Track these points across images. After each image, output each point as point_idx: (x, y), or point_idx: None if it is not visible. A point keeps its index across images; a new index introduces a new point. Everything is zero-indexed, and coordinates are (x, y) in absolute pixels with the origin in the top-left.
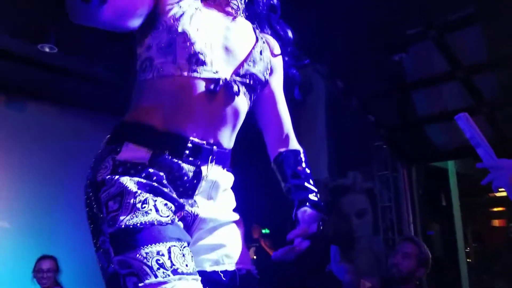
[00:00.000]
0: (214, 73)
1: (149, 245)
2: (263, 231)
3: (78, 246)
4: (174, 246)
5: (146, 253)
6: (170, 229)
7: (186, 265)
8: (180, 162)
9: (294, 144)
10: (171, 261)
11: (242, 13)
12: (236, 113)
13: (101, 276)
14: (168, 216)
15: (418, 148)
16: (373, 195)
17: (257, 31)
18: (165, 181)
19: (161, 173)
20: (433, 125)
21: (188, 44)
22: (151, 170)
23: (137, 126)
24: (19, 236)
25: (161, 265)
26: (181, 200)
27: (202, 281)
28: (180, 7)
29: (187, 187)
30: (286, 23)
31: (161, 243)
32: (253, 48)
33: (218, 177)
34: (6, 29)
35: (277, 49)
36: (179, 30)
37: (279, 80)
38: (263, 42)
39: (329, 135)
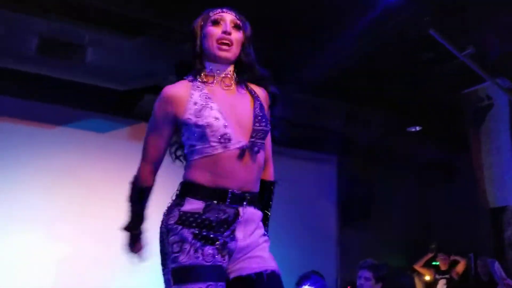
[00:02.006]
0: (238, 142)
1: (196, 282)
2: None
3: None
4: (211, 284)
5: (192, 287)
6: (211, 271)
7: None
8: (224, 207)
9: (271, 174)
10: None
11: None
12: (260, 164)
13: None
14: (211, 261)
15: None
16: None
17: (249, 87)
18: (214, 223)
19: (212, 218)
20: None
21: (215, 132)
22: (204, 216)
23: (193, 186)
24: None
25: None
26: (225, 236)
27: (246, 282)
28: (195, 103)
29: (229, 224)
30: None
31: (202, 282)
32: (254, 109)
33: (250, 215)
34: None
35: (264, 96)
36: (204, 123)
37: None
38: (257, 97)
39: None
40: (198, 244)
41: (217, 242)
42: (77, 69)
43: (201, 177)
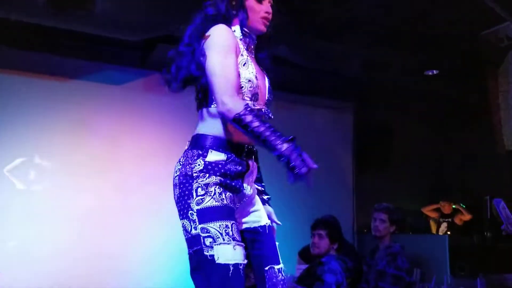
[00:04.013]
0: (260, 105)
1: (221, 220)
2: (454, 206)
3: None
4: (234, 223)
5: (220, 225)
6: (233, 212)
7: (239, 236)
8: (240, 160)
9: None
10: (232, 232)
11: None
12: None
13: (183, 234)
14: (232, 204)
15: None
16: None
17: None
18: (233, 174)
19: (232, 168)
20: None
21: (252, 88)
22: (227, 166)
23: (217, 139)
24: None
25: (227, 233)
26: (238, 185)
27: (254, 233)
28: (242, 55)
29: (241, 174)
30: None
31: (228, 220)
32: (267, 80)
33: (254, 167)
34: None
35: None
36: (247, 77)
37: None
38: (264, 70)
39: None
40: (222, 189)
41: (239, 191)
42: (87, 21)
43: (224, 131)
